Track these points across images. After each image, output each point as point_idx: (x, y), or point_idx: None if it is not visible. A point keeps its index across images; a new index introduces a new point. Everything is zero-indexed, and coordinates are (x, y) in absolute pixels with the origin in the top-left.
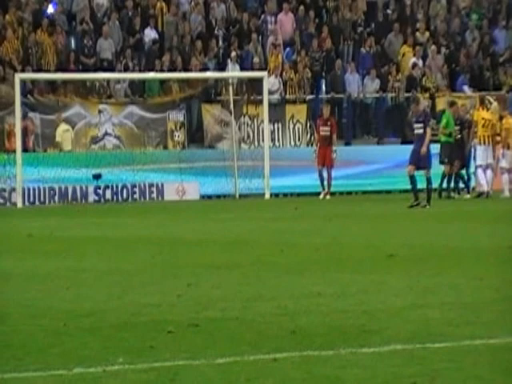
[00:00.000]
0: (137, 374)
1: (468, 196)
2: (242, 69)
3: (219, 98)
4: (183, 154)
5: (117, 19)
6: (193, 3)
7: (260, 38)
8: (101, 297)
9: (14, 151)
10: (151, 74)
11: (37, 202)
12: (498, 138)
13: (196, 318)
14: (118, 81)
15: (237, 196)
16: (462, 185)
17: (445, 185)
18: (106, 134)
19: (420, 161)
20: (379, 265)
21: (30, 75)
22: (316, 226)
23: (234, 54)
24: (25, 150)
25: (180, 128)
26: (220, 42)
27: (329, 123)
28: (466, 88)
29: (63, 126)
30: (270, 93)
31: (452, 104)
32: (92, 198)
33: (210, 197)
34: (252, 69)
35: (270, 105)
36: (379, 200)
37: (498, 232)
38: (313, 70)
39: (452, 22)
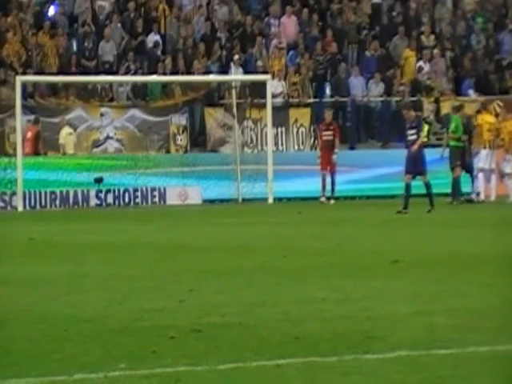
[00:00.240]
0: (138, 380)
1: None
2: (246, 72)
3: (222, 101)
4: (186, 157)
5: (119, 22)
6: (196, 6)
7: (263, 41)
8: (102, 302)
9: (27, 155)
10: (153, 77)
11: (38, 206)
12: (501, 143)
13: (198, 323)
14: (120, 84)
15: (240, 200)
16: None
17: (463, 188)
18: (108, 137)
19: (416, 167)
20: (384, 270)
21: (31, 78)
22: (320, 231)
23: (236, 57)
24: (36, 153)
25: (182, 132)
26: (223, 45)
27: (331, 127)
28: (471, 92)
29: (67, 129)
30: (274, 96)
31: (459, 108)
32: (93, 202)
33: (212, 201)
34: (255, 72)
35: (274, 108)
36: (383, 205)
37: (503, 238)
38: (316, 73)
39: (457, 26)
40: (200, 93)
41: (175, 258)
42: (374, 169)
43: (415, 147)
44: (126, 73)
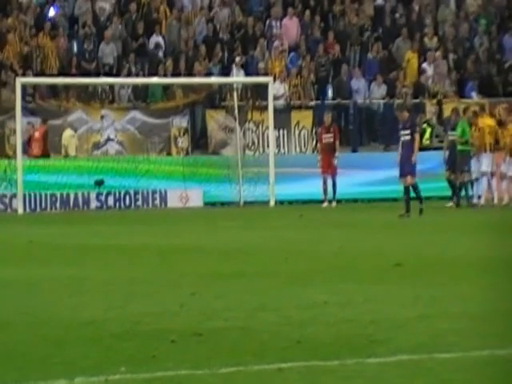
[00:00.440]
0: None
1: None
2: (247, 74)
3: (223, 103)
4: (187, 160)
5: (119, 23)
6: (197, 7)
7: (265, 42)
8: (103, 305)
9: (36, 157)
10: (154, 79)
11: (38, 209)
12: (503, 146)
13: (199, 327)
14: (122, 86)
15: (241, 203)
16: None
17: (470, 192)
18: (109, 139)
19: (407, 168)
20: (386, 274)
21: (31, 79)
22: (321, 234)
23: (238, 59)
24: (45, 155)
25: (184, 134)
26: (224, 47)
27: (331, 130)
28: (474, 94)
29: (69, 132)
30: (275, 98)
31: (465, 111)
32: (94, 204)
33: (213, 204)
34: (257, 74)
35: (275, 111)
36: (386, 208)
37: (506, 242)
38: (318, 75)
39: (460, 28)
40: (201, 95)
41: (176, 262)
42: (376, 171)
43: (414, 158)
44: (127, 75)
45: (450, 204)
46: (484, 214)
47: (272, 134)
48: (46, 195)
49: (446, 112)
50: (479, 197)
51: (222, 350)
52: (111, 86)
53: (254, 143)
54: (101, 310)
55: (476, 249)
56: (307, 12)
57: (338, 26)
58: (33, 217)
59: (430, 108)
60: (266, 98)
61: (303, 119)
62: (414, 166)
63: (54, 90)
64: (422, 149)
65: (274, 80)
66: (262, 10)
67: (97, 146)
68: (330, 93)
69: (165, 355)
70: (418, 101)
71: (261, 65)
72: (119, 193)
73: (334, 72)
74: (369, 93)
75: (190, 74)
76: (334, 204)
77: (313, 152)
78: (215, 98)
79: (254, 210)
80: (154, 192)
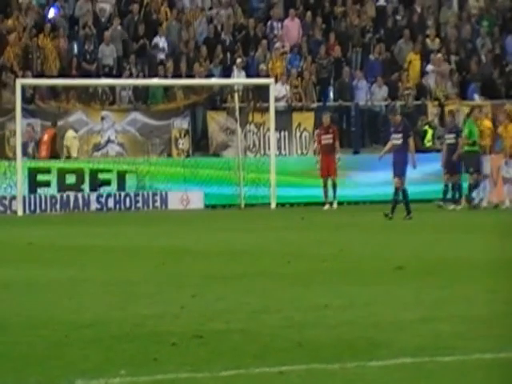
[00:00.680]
0: None
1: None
2: (248, 75)
3: (225, 105)
4: (187, 162)
5: (120, 24)
6: (198, 9)
7: (266, 44)
8: (103, 307)
9: (43, 158)
10: (155, 81)
11: (38, 211)
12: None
13: (200, 329)
14: (122, 87)
15: (242, 206)
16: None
17: (474, 194)
18: (109, 141)
19: (396, 169)
20: (388, 276)
21: (31, 81)
22: (323, 236)
23: (239, 60)
24: (55, 157)
25: (184, 135)
26: (225, 48)
27: (330, 131)
28: (476, 97)
29: (71, 133)
30: (277, 100)
31: (471, 111)
32: (94, 206)
33: (214, 206)
34: (258, 75)
35: (277, 112)
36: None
37: (508, 244)
38: (320, 77)
39: (463, 29)
40: (202, 96)
41: (177, 264)
42: (377, 173)
43: (414, 164)
44: (128, 76)
45: (453, 206)
46: (486, 216)
47: (273, 135)
48: (45, 197)
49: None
50: (481, 199)
51: (223, 352)
52: (112, 88)
53: (255, 145)
54: (101, 312)
55: (478, 251)
56: (308, 13)
57: (340, 28)
58: (32, 218)
59: (432, 110)
60: (267, 100)
61: (304, 121)
62: (404, 170)
63: (54, 92)
64: (425, 151)
65: (276, 81)
66: (263, 11)
67: (97, 147)
68: (331, 94)
69: (165, 358)
70: (419, 102)
71: (262, 66)
72: (119, 195)
73: (336, 73)
74: (370, 94)
75: (190, 75)
76: (334, 206)
77: (314, 154)
78: (216, 100)
79: (255, 212)
80: (154, 194)
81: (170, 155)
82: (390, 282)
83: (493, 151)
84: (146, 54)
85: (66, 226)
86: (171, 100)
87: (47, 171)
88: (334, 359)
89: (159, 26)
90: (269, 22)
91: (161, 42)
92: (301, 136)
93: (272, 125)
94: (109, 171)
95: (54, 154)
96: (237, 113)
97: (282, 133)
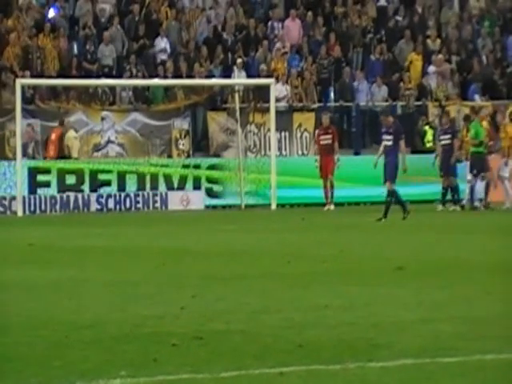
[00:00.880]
0: None
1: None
2: (249, 76)
3: (225, 105)
4: (188, 162)
5: (119, 24)
6: (198, 9)
7: (267, 44)
8: (103, 308)
9: (51, 158)
10: (155, 81)
11: (38, 211)
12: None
13: (200, 330)
14: (123, 87)
15: (242, 206)
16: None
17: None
18: (109, 141)
19: (389, 173)
20: (388, 277)
21: (31, 81)
22: (323, 237)
23: (239, 60)
24: (63, 156)
25: (185, 136)
26: (226, 49)
27: (329, 131)
28: (477, 97)
29: (72, 133)
30: (277, 100)
31: (478, 112)
32: (94, 207)
33: (214, 207)
34: (259, 76)
35: (277, 113)
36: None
37: (509, 244)
38: (321, 77)
39: (464, 29)
40: (202, 97)
41: (177, 264)
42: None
43: (405, 167)
44: (128, 76)
45: (453, 207)
46: (486, 217)
47: (273, 136)
48: (45, 198)
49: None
50: (480, 199)
51: (223, 353)
52: (112, 88)
53: (255, 145)
54: (101, 313)
55: (478, 252)
56: (309, 13)
57: (341, 28)
58: (32, 219)
59: (433, 110)
60: (267, 100)
61: (305, 121)
62: (394, 173)
63: (54, 92)
64: (426, 151)
65: (276, 82)
66: (264, 12)
67: (97, 147)
68: (332, 95)
69: (165, 358)
70: (420, 103)
71: (263, 66)
72: (120, 195)
73: (336, 74)
74: (371, 95)
75: (191, 75)
76: (332, 207)
77: (315, 155)
78: (216, 100)
79: (256, 213)
80: (154, 194)
81: (170, 156)
82: (391, 283)
83: (494, 152)
84: (147, 54)
85: (66, 226)
86: (171, 100)
87: (47, 172)
88: (335, 360)
89: (159, 26)
90: (269, 23)
91: (162, 42)
92: (301, 136)
93: (272, 125)
94: (109, 172)
95: (62, 154)
96: (237, 113)
97: (283, 133)
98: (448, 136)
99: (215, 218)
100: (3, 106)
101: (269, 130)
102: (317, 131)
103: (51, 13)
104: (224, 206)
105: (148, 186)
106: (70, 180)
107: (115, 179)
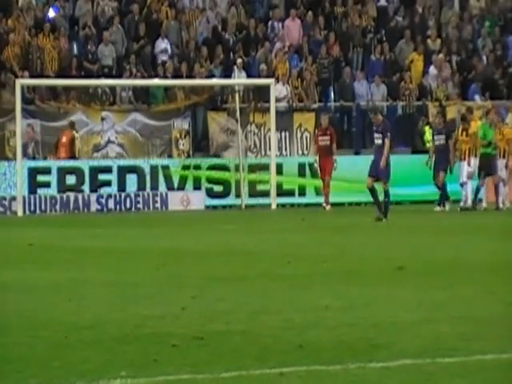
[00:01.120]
0: None
1: (438, 209)
2: (249, 76)
3: (225, 105)
4: (188, 162)
5: (119, 24)
6: (198, 9)
7: (267, 44)
8: (103, 309)
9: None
10: (155, 81)
11: (38, 211)
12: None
13: (201, 330)
14: (123, 88)
15: (243, 207)
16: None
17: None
18: (109, 141)
19: (378, 172)
20: (388, 277)
21: (30, 81)
22: (323, 237)
23: (239, 60)
24: (72, 157)
25: (185, 136)
26: (226, 49)
27: (328, 132)
28: (477, 97)
29: (73, 134)
30: (278, 100)
31: (487, 112)
32: (94, 207)
33: (215, 207)
34: (259, 76)
35: (277, 113)
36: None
37: (509, 245)
38: (321, 77)
39: (464, 29)
40: (203, 97)
41: (177, 265)
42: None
43: (384, 162)
44: (128, 76)
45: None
46: (486, 217)
47: (274, 136)
48: (45, 198)
49: (450, 114)
50: (480, 200)
51: (223, 353)
52: (112, 88)
53: (255, 146)
54: (101, 313)
55: (478, 252)
56: (309, 13)
57: (341, 28)
58: (32, 219)
59: (433, 110)
60: (267, 100)
61: (305, 122)
62: (387, 172)
63: (54, 92)
64: (426, 151)
65: (277, 82)
66: (264, 12)
67: (97, 148)
68: (332, 95)
69: (166, 359)
70: (420, 103)
71: (263, 66)
72: (120, 195)
73: (337, 74)
74: (371, 95)
75: (191, 75)
76: (328, 207)
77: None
78: (217, 100)
79: (256, 213)
80: (154, 195)
81: (170, 156)
82: (391, 283)
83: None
84: (147, 55)
85: (66, 226)
86: (172, 100)
87: (47, 172)
88: (335, 361)
89: (160, 26)
90: (269, 23)
91: (163, 43)
92: (302, 137)
93: (273, 125)
94: (109, 172)
95: (73, 156)
96: (237, 113)
97: (283, 133)
98: (442, 136)
99: (215, 218)
100: (3, 106)
101: (269, 130)
102: (316, 131)
103: (51, 13)
104: (224, 206)
105: (148, 186)
106: (70, 180)
107: (115, 179)
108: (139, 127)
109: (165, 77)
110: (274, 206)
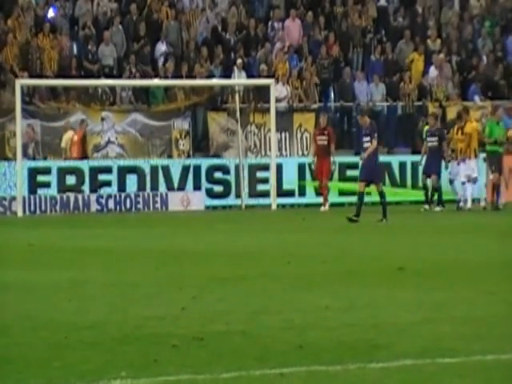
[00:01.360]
0: None
1: (438, 209)
2: (249, 76)
3: (225, 105)
4: (188, 163)
5: (120, 24)
6: (198, 9)
7: (268, 44)
8: (103, 309)
9: (75, 158)
10: (155, 81)
11: (38, 212)
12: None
13: (201, 331)
14: (123, 88)
15: (243, 207)
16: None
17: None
18: (109, 142)
19: (369, 175)
20: (388, 278)
21: (30, 81)
22: (324, 237)
23: (239, 60)
24: (85, 157)
25: (185, 136)
26: (226, 49)
27: (326, 132)
28: (476, 98)
29: (70, 134)
30: (278, 101)
31: (495, 110)
32: (94, 207)
33: (215, 207)
34: (259, 76)
35: (278, 113)
36: (389, 211)
37: (509, 245)
38: (321, 77)
39: (464, 30)
40: (203, 97)
41: (177, 265)
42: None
43: (366, 161)
44: (128, 77)
45: (425, 208)
46: (486, 217)
47: (274, 136)
48: (45, 198)
49: (450, 115)
50: (465, 201)
51: (224, 354)
52: (112, 88)
53: (255, 146)
54: (101, 314)
55: (479, 252)
56: (309, 13)
57: (341, 28)
58: (32, 219)
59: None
60: (267, 101)
61: (305, 122)
62: (378, 173)
63: (54, 92)
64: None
65: (277, 82)
66: (264, 12)
67: (97, 148)
68: (332, 95)
69: (166, 359)
70: (420, 103)
71: (263, 67)
72: (120, 196)
73: (337, 74)
74: (371, 95)
75: (191, 75)
76: (323, 208)
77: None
78: (217, 100)
79: (256, 213)
80: (155, 195)
81: (170, 156)
82: (391, 284)
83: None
84: (147, 55)
85: (66, 227)
86: (172, 101)
87: (47, 172)
88: (335, 361)
89: (160, 26)
90: (270, 23)
91: (163, 43)
92: (302, 137)
93: (273, 126)
94: (109, 172)
95: (84, 155)
96: (237, 113)
97: (283, 134)
98: (435, 138)
99: (215, 218)
100: (3, 107)
101: (269, 130)
102: (314, 131)
103: (51, 13)
104: (224, 207)
105: (148, 186)
106: (70, 180)
107: (115, 180)
108: (139, 127)
109: (165, 77)
110: (274, 207)
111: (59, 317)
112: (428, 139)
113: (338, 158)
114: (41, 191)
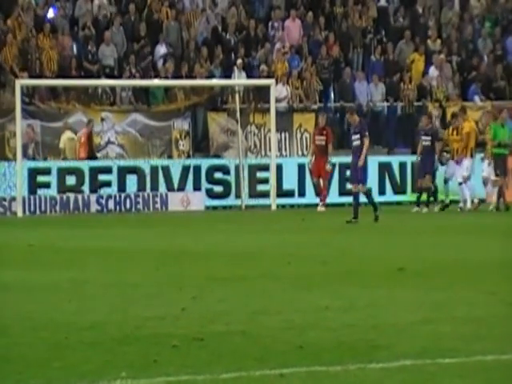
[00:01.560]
0: None
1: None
2: (249, 76)
3: (225, 106)
4: (188, 163)
5: (120, 24)
6: (198, 9)
7: (268, 44)
8: (103, 309)
9: (82, 159)
10: (155, 81)
11: (37, 212)
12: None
13: (201, 331)
14: (123, 88)
15: (243, 207)
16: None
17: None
18: (109, 142)
19: (355, 175)
20: (388, 278)
21: (30, 81)
22: (324, 238)
23: (239, 61)
24: (92, 157)
25: (185, 137)
26: (226, 49)
27: (324, 132)
28: (476, 98)
29: (68, 134)
30: (278, 101)
31: (500, 112)
32: (94, 208)
33: (215, 208)
34: (259, 76)
35: (278, 113)
36: (389, 212)
37: (509, 245)
38: (321, 77)
39: (464, 30)
40: (203, 97)
41: (177, 265)
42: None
43: (361, 163)
44: (128, 77)
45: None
46: (486, 218)
47: (274, 136)
48: (45, 198)
49: (449, 115)
50: (465, 201)
51: (224, 354)
52: (112, 88)
53: (255, 146)
54: (101, 314)
55: (479, 252)
56: (309, 14)
57: (341, 28)
58: (32, 220)
59: (433, 111)
60: (268, 101)
61: (305, 122)
62: (364, 173)
63: (53, 92)
64: None
65: (276, 82)
66: (264, 12)
67: (97, 148)
68: (332, 95)
69: (166, 360)
70: (420, 103)
71: (263, 67)
72: (120, 196)
73: (337, 74)
74: (371, 95)
75: (191, 76)
76: (323, 208)
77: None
78: (217, 101)
79: (256, 213)
80: (154, 195)
81: (170, 156)
82: (391, 284)
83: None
84: (147, 55)
85: (66, 227)
86: (172, 101)
87: (47, 172)
88: (335, 361)
89: (160, 26)
90: (270, 23)
91: (162, 49)
92: (302, 137)
93: (273, 126)
94: (109, 172)
95: (91, 154)
96: (237, 114)
97: (283, 134)
98: (428, 138)
99: (215, 218)
100: (3, 107)
101: (269, 130)
102: (313, 130)
103: (51, 13)
104: (224, 207)
105: (148, 186)
106: (70, 181)
107: (115, 180)
108: (139, 128)
109: (165, 77)
110: (274, 207)
111: (59, 317)
112: (422, 138)
113: (338, 159)
114: (41, 191)
